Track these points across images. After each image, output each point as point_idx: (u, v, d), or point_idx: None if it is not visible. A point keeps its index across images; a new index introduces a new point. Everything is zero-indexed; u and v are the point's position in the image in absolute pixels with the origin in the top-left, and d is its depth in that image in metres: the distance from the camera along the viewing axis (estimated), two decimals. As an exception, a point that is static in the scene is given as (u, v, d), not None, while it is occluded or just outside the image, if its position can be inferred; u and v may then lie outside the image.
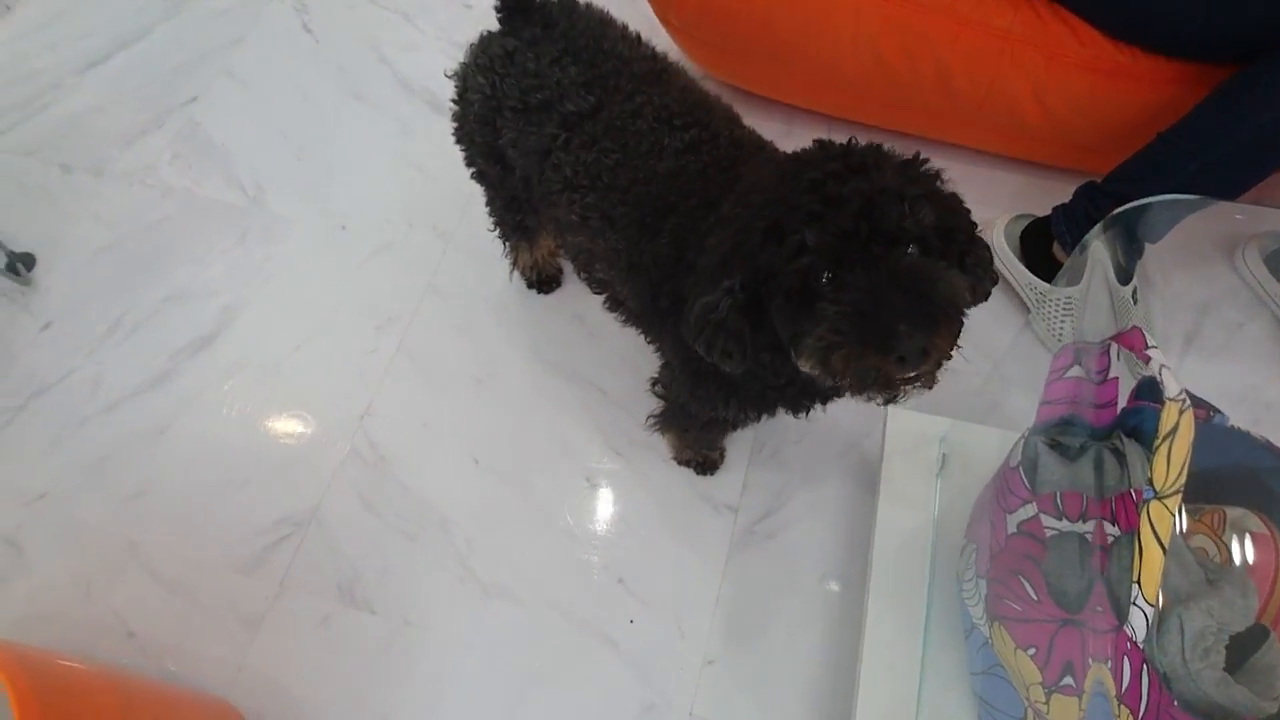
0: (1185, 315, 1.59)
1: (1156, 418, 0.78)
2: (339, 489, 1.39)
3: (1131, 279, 1.32)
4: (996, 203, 1.66)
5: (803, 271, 0.74)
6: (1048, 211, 1.49)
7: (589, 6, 1.13)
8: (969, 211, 0.84)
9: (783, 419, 1.40)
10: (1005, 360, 1.50)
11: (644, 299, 1.03)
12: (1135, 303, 1.37)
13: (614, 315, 1.18)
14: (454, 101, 1.19)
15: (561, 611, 1.29)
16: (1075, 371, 0.97)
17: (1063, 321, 1.45)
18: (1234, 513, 0.98)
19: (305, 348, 1.53)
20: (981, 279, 0.86)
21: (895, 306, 0.70)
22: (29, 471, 1.41)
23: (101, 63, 1.90)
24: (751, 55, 1.59)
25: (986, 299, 0.88)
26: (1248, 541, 0.93)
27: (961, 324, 0.76)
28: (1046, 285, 1.48)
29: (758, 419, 1.11)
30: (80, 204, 1.69)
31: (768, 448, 1.42)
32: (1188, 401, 0.77)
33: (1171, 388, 0.77)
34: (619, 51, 1.07)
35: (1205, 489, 0.98)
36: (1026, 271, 1.50)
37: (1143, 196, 1.25)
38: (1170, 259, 1.65)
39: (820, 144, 0.81)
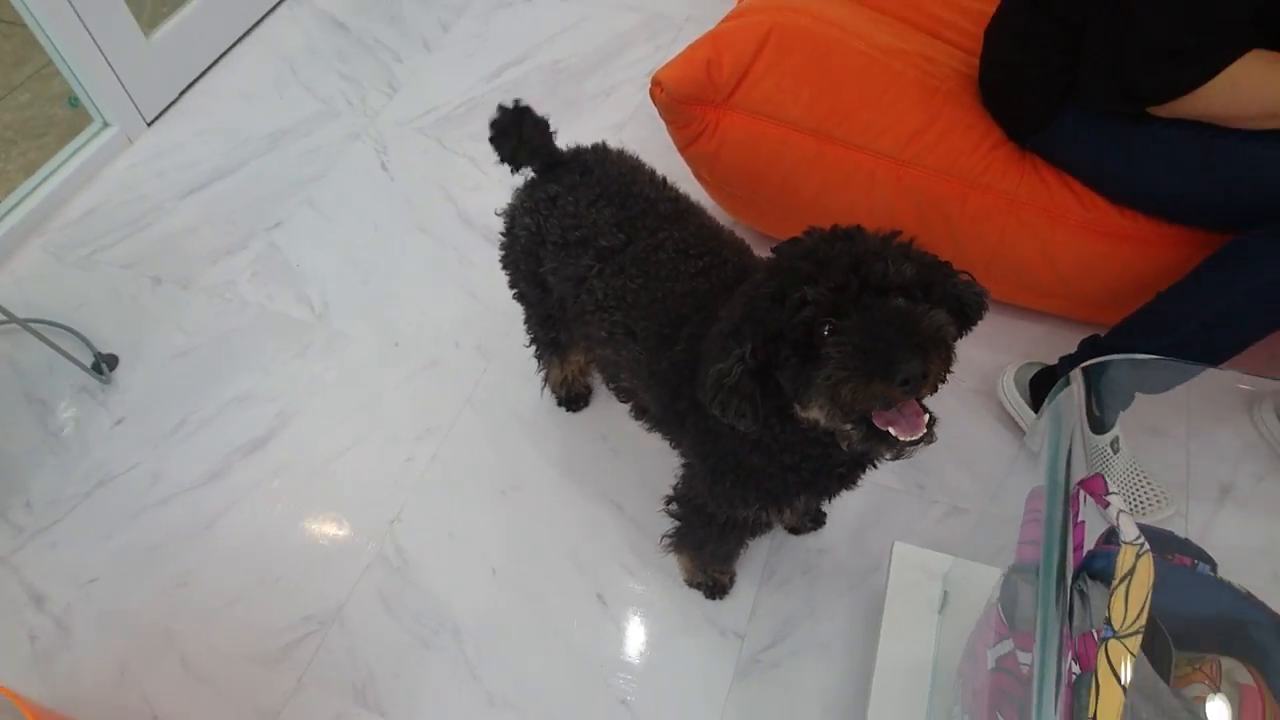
0: (1212, 466, 1.60)
1: (1112, 561, 0.82)
2: (363, 590, 1.46)
3: (1110, 430, 1.37)
4: (1010, 349, 1.73)
5: (806, 324, 0.85)
6: (1056, 360, 1.55)
7: (620, 153, 1.29)
8: (947, 263, 0.95)
9: (793, 547, 1.46)
10: (1000, 498, 1.53)
11: (663, 402, 1.15)
12: (1115, 451, 1.40)
13: (639, 423, 1.28)
14: (502, 234, 1.34)
15: (563, 727, 1.32)
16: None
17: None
18: (1228, 663, 0.99)
19: (348, 453, 1.64)
20: (978, 298, 0.98)
21: (891, 340, 0.81)
22: (85, 556, 1.52)
23: (200, 189, 2.14)
24: (776, 209, 1.72)
25: (984, 314, 1.00)
26: (1236, 693, 0.94)
27: (951, 352, 0.87)
28: (1090, 434, 1.52)
29: (779, 515, 1.17)
30: (165, 313, 1.88)
31: (778, 575, 1.46)
32: (1145, 546, 0.81)
33: (1129, 531, 0.82)
34: (646, 194, 1.22)
35: (1198, 638, 1.00)
36: (1035, 416, 1.55)
37: (1141, 351, 1.32)
38: (1197, 410, 1.68)
39: (809, 230, 0.94)
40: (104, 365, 1.77)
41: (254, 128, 2.27)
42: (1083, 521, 0.94)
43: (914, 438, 0.87)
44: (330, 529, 1.54)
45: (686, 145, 1.65)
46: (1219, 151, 1.31)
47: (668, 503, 1.32)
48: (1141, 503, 1.45)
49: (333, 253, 1.97)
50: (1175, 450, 1.61)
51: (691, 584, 1.43)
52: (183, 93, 2.38)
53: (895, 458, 0.91)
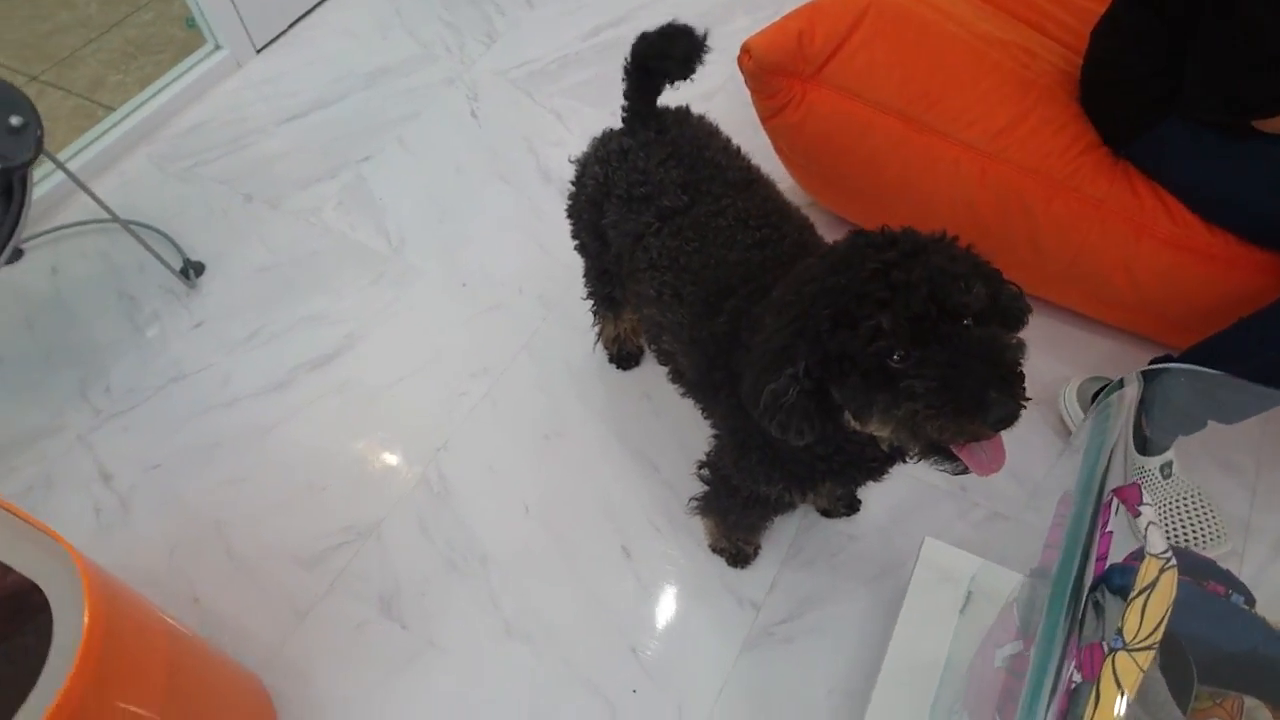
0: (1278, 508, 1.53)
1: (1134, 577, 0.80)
2: (402, 510, 1.52)
3: (1164, 453, 1.32)
4: (1076, 361, 1.67)
5: (879, 353, 0.83)
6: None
7: (701, 118, 1.30)
8: (997, 271, 0.93)
9: (824, 529, 1.46)
10: (1048, 507, 1.49)
11: (700, 370, 1.15)
12: (1165, 477, 1.35)
13: (675, 387, 1.29)
14: (571, 183, 1.37)
15: (571, 665, 1.35)
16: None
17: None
18: (1250, 702, 0.95)
19: (406, 381, 1.70)
20: (1021, 313, 0.95)
21: (980, 376, 0.79)
22: (153, 444, 1.62)
23: (299, 117, 2.22)
24: (854, 191, 1.70)
25: (1025, 325, 0.96)
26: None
27: (1024, 376, 0.84)
28: (1132, 450, 1.47)
29: (802, 497, 1.17)
30: (252, 229, 1.97)
31: (804, 554, 1.46)
32: (1171, 560, 0.78)
33: (1156, 544, 0.79)
34: (717, 160, 1.22)
35: (1224, 672, 0.97)
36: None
37: (1214, 376, 1.26)
38: (1270, 448, 1.60)
39: (860, 234, 0.91)
40: (191, 271, 1.87)
41: (355, 64, 2.35)
42: (1110, 532, 0.92)
43: (995, 471, 0.85)
44: (379, 449, 1.60)
45: (770, 116, 1.64)
46: (1329, 174, 1.24)
47: (700, 467, 1.33)
48: (1197, 535, 1.40)
49: (415, 191, 2.03)
50: (1242, 488, 1.54)
51: (715, 549, 1.44)
52: (292, 24, 2.47)
53: (958, 474, 0.89)
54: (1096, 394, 1.53)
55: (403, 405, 1.66)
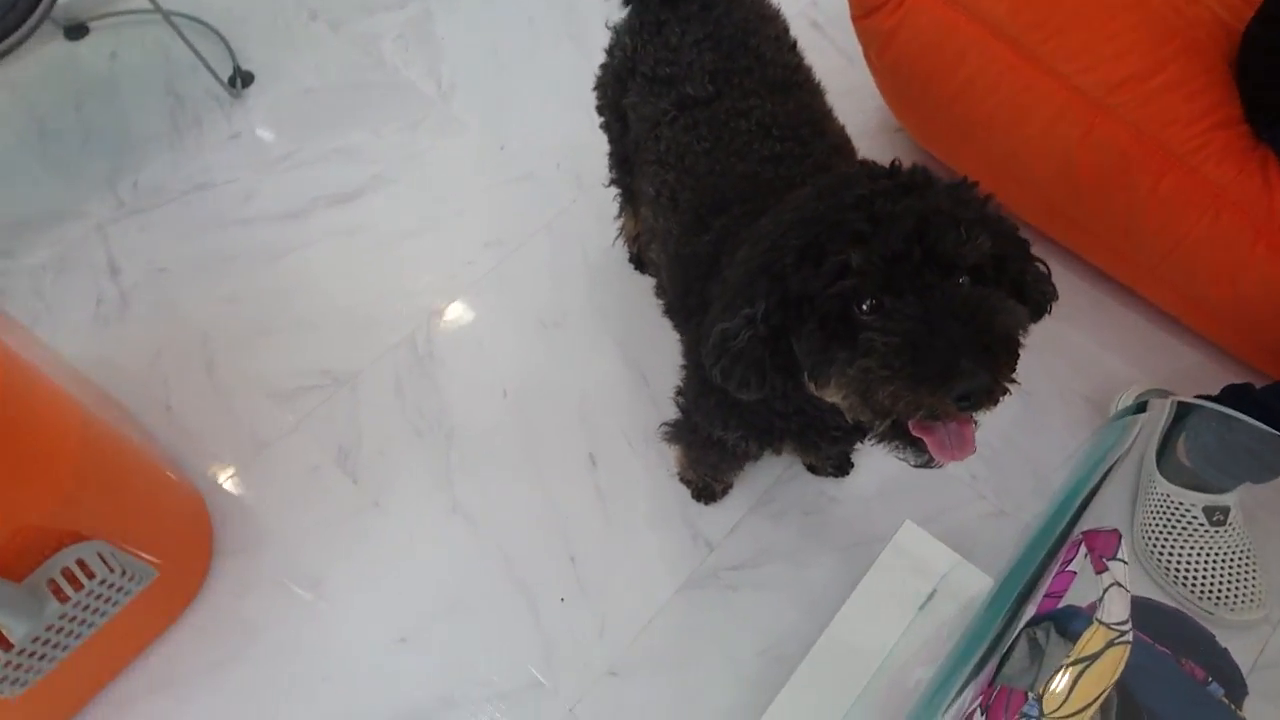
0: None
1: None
2: (384, 365, 1.48)
3: (1221, 494, 1.13)
4: (1147, 366, 1.46)
5: (843, 296, 0.69)
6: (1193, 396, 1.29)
7: (757, 2, 1.12)
8: (1026, 242, 0.78)
9: (805, 483, 1.34)
10: (1034, 500, 1.33)
11: (677, 291, 1.03)
12: (1215, 524, 1.16)
13: (657, 302, 1.17)
14: (605, 51, 1.22)
15: (506, 559, 1.30)
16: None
17: (1157, 517, 1.25)
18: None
19: (419, 236, 1.62)
20: (1045, 298, 0.80)
21: (954, 339, 0.64)
22: (164, 247, 1.61)
23: (385, -62, 2.09)
24: (945, 122, 1.49)
25: (1048, 314, 0.82)
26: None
27: (1018, 357, 0.69)
28: (1161, 478, 1.28)
29: (759, 450, 1.06)
30: (309, 48, 1.89)
31: (776, 504, 1.35)
32: (1126, 635, 0.65)
33: (1114, 612, 0.66)
34: (761, 52, 1.06)
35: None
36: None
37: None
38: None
39: (865, 163, 0.76)
40: (239, 80, 1.81)
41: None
42: (1073, 572, 0.78)
43: (955, 460, 0.71)
44: (376, 300, 1.55)
45: (863, 15, 1.43)
46: None
47: (678, 392, 1.22)
48: (1229, 593, 1.21)
49: (479, 37, 1.90)
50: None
51: (683, 479, 1.35)
52: None
53: (920, 467, 0.75)
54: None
55: (411, 260, 1.60)
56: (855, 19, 1.45)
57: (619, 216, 1.49)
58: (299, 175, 1.70)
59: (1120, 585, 0.69)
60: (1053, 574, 0.79)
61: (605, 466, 1.38)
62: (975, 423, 0.71)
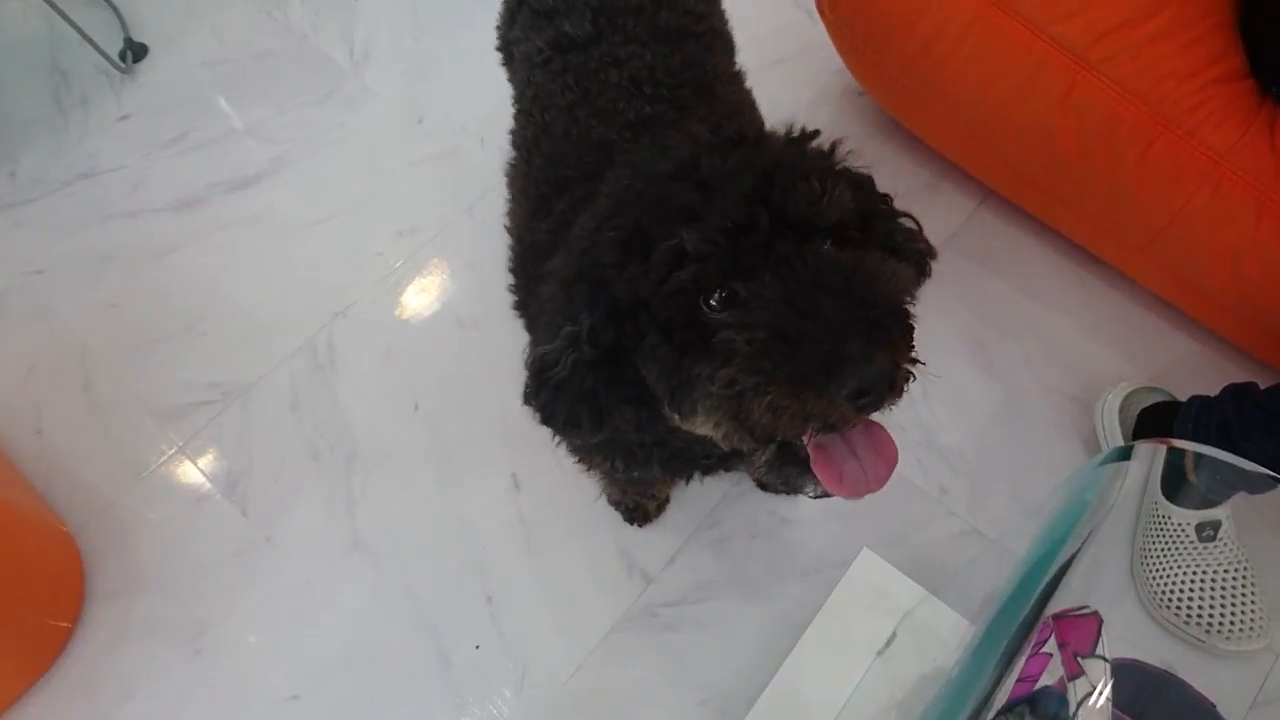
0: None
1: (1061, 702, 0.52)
2: (279, 376, 1.31)
3: (1213, 507, 0.98)
4: (1139, 359, 1.30)
5: (685, 293, 0.54)
6: (1188, 395, 1.13)
7: None
8: (887, 195, 0.64)
9: (756, 502, 1.19)
10: (1019, 532, 1.18)
11: (518, 285, 0.88)
12: (1205, 539, 1.01)
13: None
14: None
15: (415, 601, 1.15)
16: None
17: (1148, 535, 1.10)
18: None
19: (324, 225, 1.45)
20: (922, 258, 0.64)
21: (832, 319, 0.50)
22: (41, 245, 1.44)
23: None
24: (908, 85, 1.30)
25: (928, 277, 0.66)
26: None
27: (912, 329, 0.55)
28: (1159, 494, 1.13)
29: (628, 473, 0.89)
30: (209, 13, 1.69)
31: (721, 528, 1.20)
32: None
33: (1086, 730, 0.51)
34: None
35: None
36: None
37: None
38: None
39: (683, 129, 0.62)
40: (130, 54, 1.62)
41: None
42: (1047, 654, 0.62)
43: (870, 491, 0.56)
44: (273, 300, 1.38)
45: (810, -36, 1.24)
46: None
47: None
48: (1224, 620, 1.06)
49: (398, -4, 1.71)
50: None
51: (610, 502, 1.19)
52: None
53: (819, 496, 0.60)
54: (1146, 411, 1.17)
55: (312, 253, 1.43)
56: (804, -35, 1.26)
57: None
58: (193, 159, 1.53)
59: (1100, 693, 0.53)
60: (1025, 656, 0.64)
61: (529, 488, 1.23)
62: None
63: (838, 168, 0.60)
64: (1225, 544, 1.06)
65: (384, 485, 1.23)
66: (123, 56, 1.62)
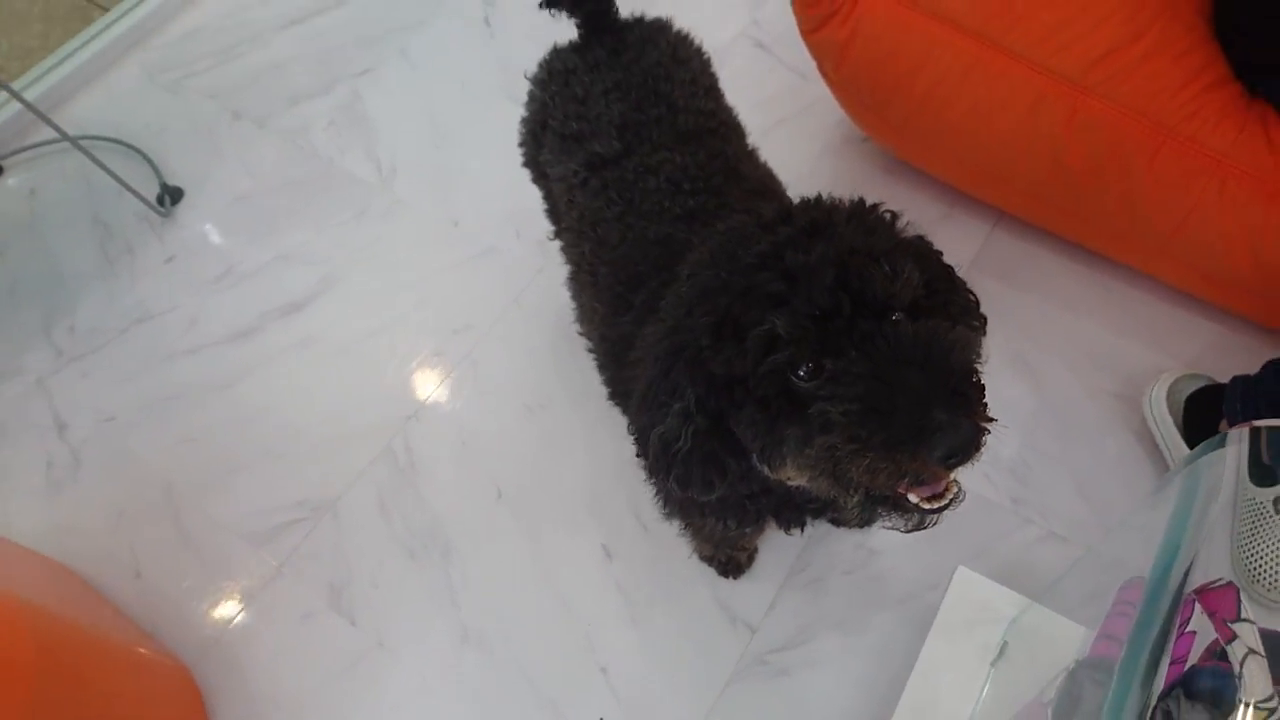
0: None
1: (1230, 682, 0.57)
2: (363, 485, 1.36)
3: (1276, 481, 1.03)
4: (1173, 351, 1.37)
5: (779, 371, 0.61)
6: (1229, 377, 1.20)
7: (675, 41, 1.05)
8: (939, 253, 0.71)
9: (839, 539, 1.24)
10: (1119, 536, 1.23)
11: (613, 379, 0.94)
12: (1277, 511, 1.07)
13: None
14: (524, 105, 1.14)
15: (532, 682, 1.18)
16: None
17: (1243, 523, 1.15)
18: None
19: (381, 334, 1.51)
20: (975, 329, 0.72)
21: (918, 390, 0.57)
22: (110, 392, 1.49)
23: (300, 22, 2.00)
24: (914, 129, 1.40)
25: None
26: None
27: (984, 389, 0.61)
28: (1248, 482, 1.18)
29: (741, 529, 0.95)
30: (236, 151, 1.78)
31: (811, 570, 1.24)
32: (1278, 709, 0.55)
33: (1258, 688, 0.55)
34: (672, 99, 0.98)
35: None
36: (1183, 444, 1.22)
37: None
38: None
39: (750, 211, 0.68)
40: (168, 198, 1.70)
41: (367, -41, 2.09)
42: (1193, 632, 0.67)
43: (940, 505, 0.62)
44: (344, 414, 1.43)
45: (812, 30, 1.34)
46: None
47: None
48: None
49: (413, 111, 1.81)
50: None
51: (702, 557, 1.24)
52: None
53: (913, 529, 0.66)
54: (1193, 397, 1.24)
55: (374, 363, 1.48)
56: (805, 34, 1.36)
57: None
58: (242, 291, 1.59)
59: (1255, 653, 0.58)
60: (1173, 640, 0.69)
61: (622, 557, 1.27)
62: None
63: (901, 241, 0.67)
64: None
65: (482, 574, 1.27)
66: (160, 201, 1.70)
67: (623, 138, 0.94)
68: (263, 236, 1.66)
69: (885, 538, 1.26)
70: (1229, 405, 1.15)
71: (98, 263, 1.65)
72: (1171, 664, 0.67)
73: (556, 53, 1.07)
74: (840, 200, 0.67)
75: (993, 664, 1.05)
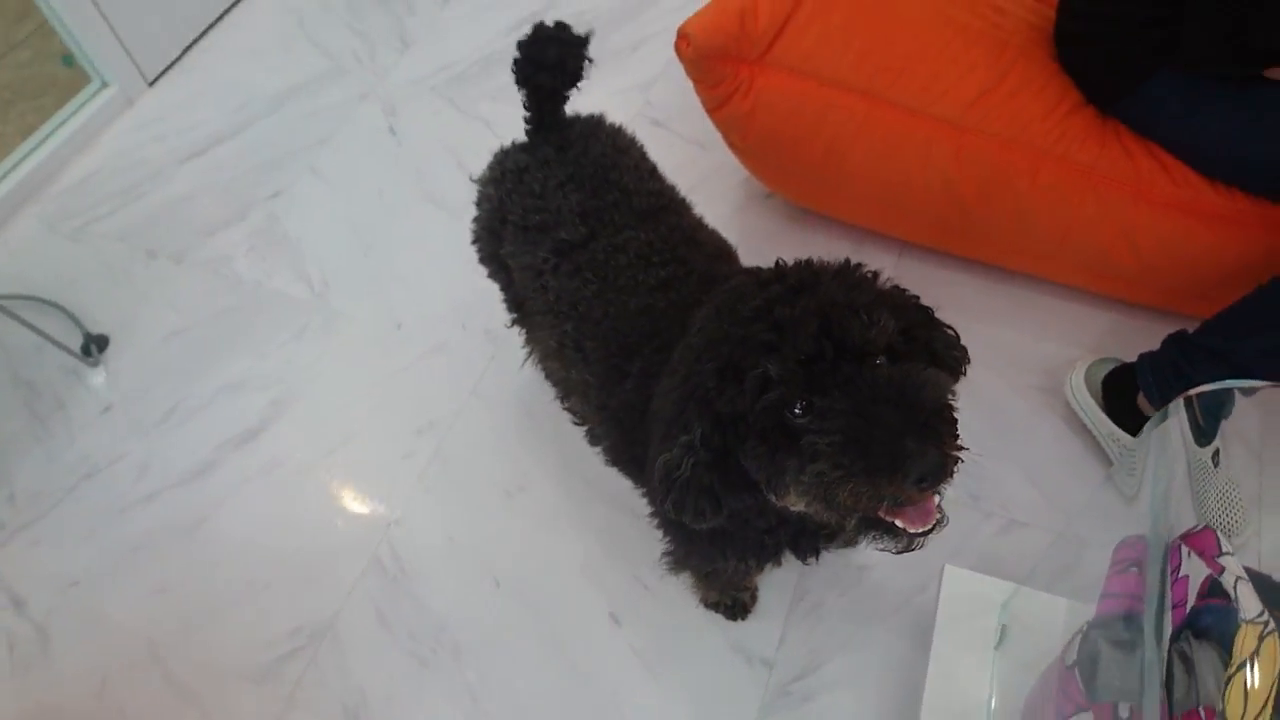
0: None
1: (1229, 616, 0.67)
2: (357, 601, 1.35)
3: (1213, 440, 1.18)
4: (1081, 342, 1.54)
5: (773, 408, 0.69)
6: (1135, 357, 1.36)
7: (616, 130, 1.14)
8: (918, 300, 0.81)
9: (829, 563, 1.31)
10: (1081, 517, 1.36)
11: (617, 446, 1.02)
12: (1216, 466, 1.22)
13: (595, 451, 1.13)
14: (475, 204, 1.21)
15: (570, 762, 1.20)
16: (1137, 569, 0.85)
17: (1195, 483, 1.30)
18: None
19: (344, 448, 1.52)
20: (956, 363, 0.82)
21: (892, 425, 0.65)
22: (66, 557, 1.43)
23: (200, 154, 2.00)
24: (817, 181, 1.54)
25: (964, 376, 0.84)
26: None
27: (956, 422, 0.70)
28: (1132, 439, 1.34)
29: (760, 567, 1.04)
30: (158, 289, 1.76)
31: (811, 596, 1.31)
32: (1270, 625, 0.65)
33: (1249, 607, 0.66)
34: (624, 184, 1.07)
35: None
36: (1108, 421, 1.37)
37: (1245, 354, 1.13)
38: (1273, 408, 1.48)
39: (748, 272, 0.78)
40: (94, 347, 1.66)
41: (259, 87, 2.13)
42: (1185, 576, 0.78)
43: (925, 529, 0.71)
44: (324, 531, 1.42)
45: (716, 107, 1.47)
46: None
47: (664, 532, 1.17)
48: (1231, 524, 1.27)
49: (335, 224, 1.83)
50: (1247, 458, 1.41)
51: (708, 605, 1.29)
52: (186, 50, 2.23)
53: (902, 550, 0.75)
54: (1107, 378, 1.39)
55: (344, 477, 1.48)
56: (711, 111, 1.49)
57: (525, 345, 1.44)
58: (191, 428, 1.56)
59: (1243, 579, 0.69)
60: (1170, 586, 0.79)
61: (630, 620, 1.31)
62: (939, 494, 0.72)
63: (880, 294, 0.76)
64: (1224, 463, 1.27)
65: (497, 666, 1.28)
66: (86, 350, 1.66)
67: (586, 223, 1.02)
68: (203, 370, 1.63)
69: (870, 553, 1.34)
70: (1141, 379, 1.31)
71: (27, 424, 1.59)
72: (1174, 608, 0.78)
73: (505, 153, 1.14)
74: (827, 262, 0.76)
75: (996, 648, 1.14)
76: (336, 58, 2.18)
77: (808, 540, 0.94)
